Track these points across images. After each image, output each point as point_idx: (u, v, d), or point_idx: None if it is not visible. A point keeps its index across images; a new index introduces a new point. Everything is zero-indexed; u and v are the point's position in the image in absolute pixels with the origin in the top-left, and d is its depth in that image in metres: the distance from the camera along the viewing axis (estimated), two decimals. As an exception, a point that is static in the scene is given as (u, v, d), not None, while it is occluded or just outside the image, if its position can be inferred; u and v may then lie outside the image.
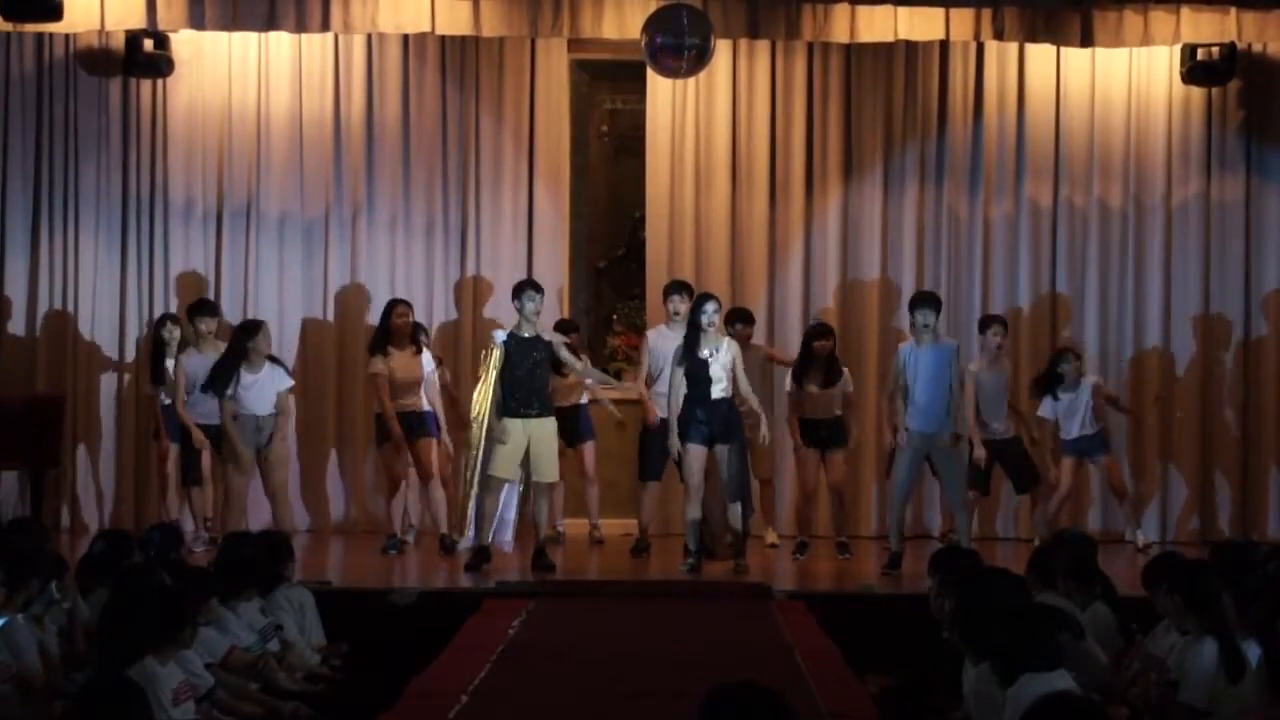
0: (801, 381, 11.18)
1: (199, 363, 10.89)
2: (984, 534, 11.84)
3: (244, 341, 10.37)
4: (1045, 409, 11.33)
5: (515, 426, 10.23)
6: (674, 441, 10.28)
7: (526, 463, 10.33)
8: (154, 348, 11.57)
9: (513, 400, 10.24)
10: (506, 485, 10.37)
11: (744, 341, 11.36)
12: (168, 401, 11.29)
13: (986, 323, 11.47)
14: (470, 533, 10.43)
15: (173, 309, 12.17)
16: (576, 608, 9.34)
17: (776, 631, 8.54)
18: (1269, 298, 12.53)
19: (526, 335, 10.33)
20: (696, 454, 10.25)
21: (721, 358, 10.25)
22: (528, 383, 10.25)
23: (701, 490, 10.32)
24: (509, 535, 10.55)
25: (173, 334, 11.44)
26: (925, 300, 10.55)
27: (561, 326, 11.52)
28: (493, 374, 10.29)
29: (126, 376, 12.41)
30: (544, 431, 10.32)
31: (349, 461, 12.52)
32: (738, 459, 10.31)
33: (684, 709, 3.87)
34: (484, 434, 10.28)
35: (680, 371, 10.25)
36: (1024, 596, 6.39)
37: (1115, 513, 12.17)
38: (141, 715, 4.61)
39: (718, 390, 10.23)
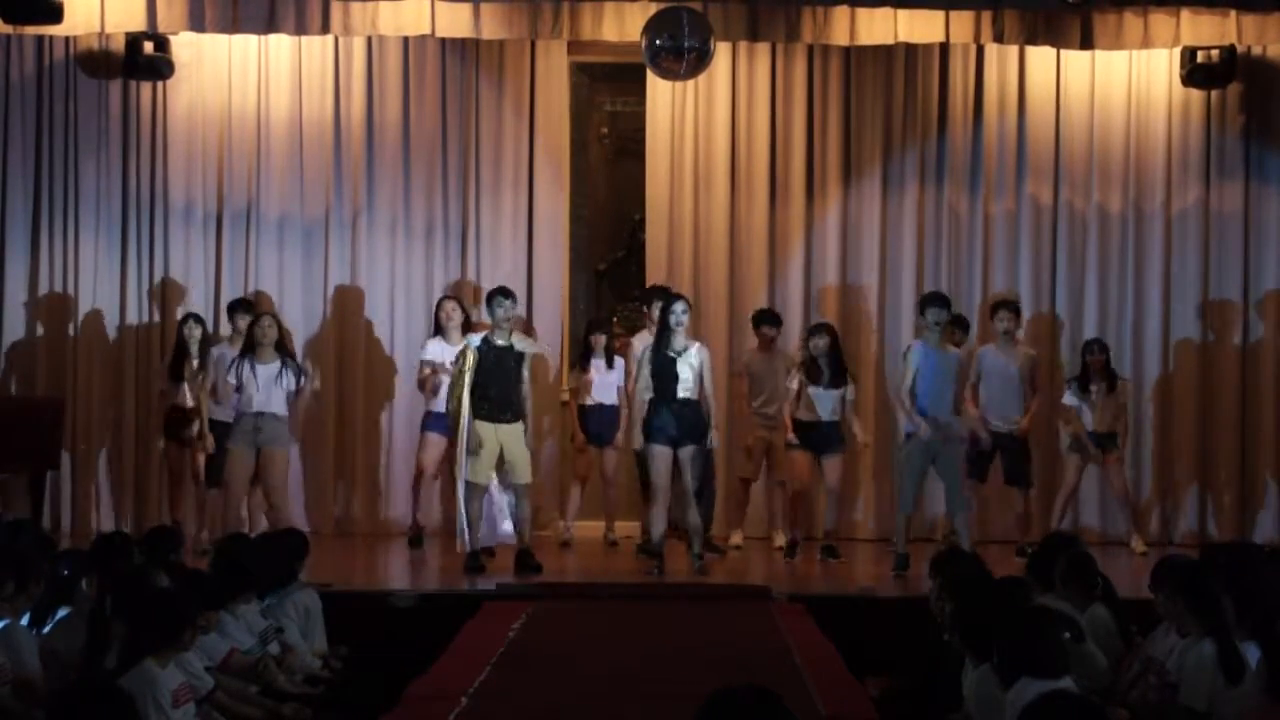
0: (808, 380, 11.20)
1: (230, 357, 10.91)
2: (986, 536, 11.82)
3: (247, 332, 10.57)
4: (1069, 397, 11.53)
5: (488, 431, 10.30)
6: (637, 437, 10.53)
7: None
8: (176, 346, 11.55)
9: (486, 404, 10.31)
10: (490, 487, 10.43)
11: (768, 345, 11.38)
12: (191, 404, 11.33)
13: (994, 308, 11.53)
14: (464, 539, 10.47)
15: (173, 312, 12.19)
16: (576, 610, 9.35)
17: (776, 633, 8.54)
18: (1268, 299, 12.53)
19: (500, 343, 10.40)
20: (662, 455, 10.29)
21: (690, 358, 10.32)
22: (500, 388, 10.31)
23: (668, 492, 10.33)
24: (508, 528, 10.55)
25: (193, 333, 11.42)
26: (939, 300, 10.62)
27: (590, 328, 11.79)
28: (465, 377, 10.36)
29: (126, 378, 12.41)
30: (515, 435, 10.38)
31: (349, 463, 12.53)
32: (702, 460, 10.35)
33: (684, 711, 3.86)
34: (461, 440, 10.34)
35: (647, 372, 10.33)
36: (1025, 599, 6.40)
37: (1115, 515, 12.17)
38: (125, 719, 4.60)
39: (684, 390, 10.28)
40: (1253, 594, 6.06)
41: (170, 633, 5.75)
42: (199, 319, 11.61)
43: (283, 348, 10.58)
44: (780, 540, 11.70)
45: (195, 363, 11.31)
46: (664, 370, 10.31)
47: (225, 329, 11.82)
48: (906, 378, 10.46)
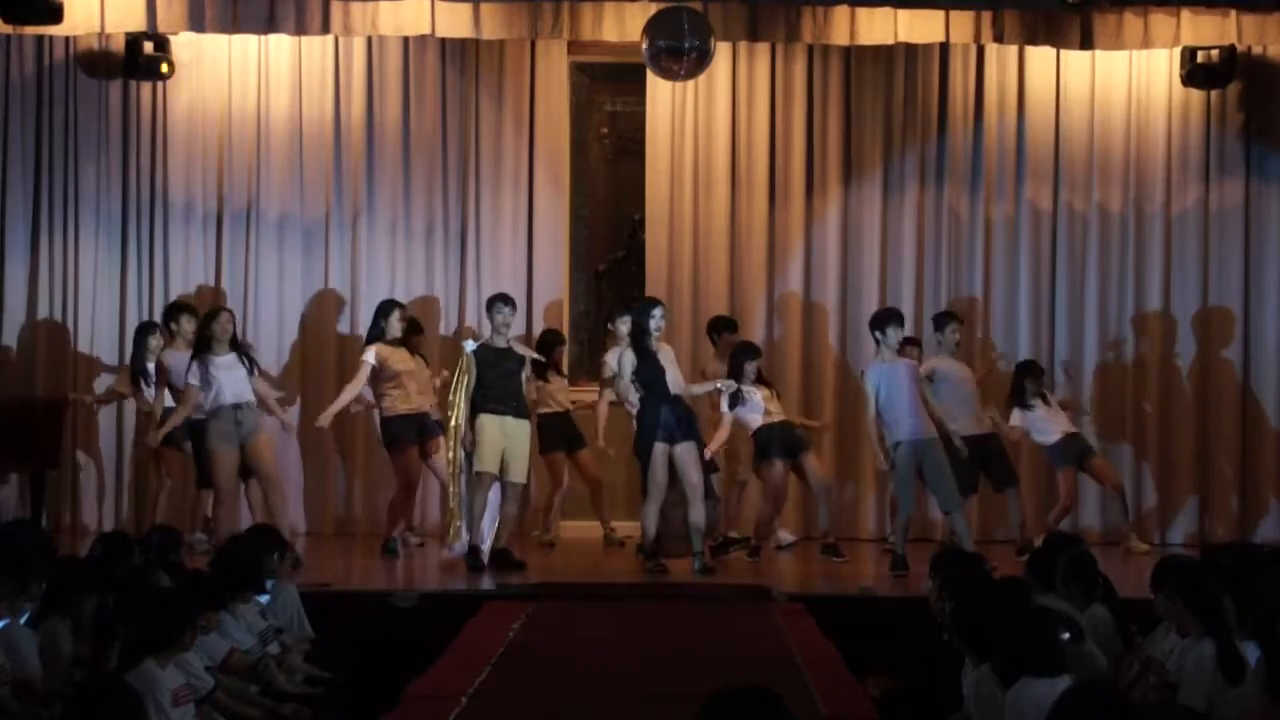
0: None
1: (181, 360, 10.86)
2: (987, 537, 11.81)
3: (201, 329, 10.50)
4: (1019, 418, 11.53)
5: (492, 422, 10.35)
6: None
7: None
8: (136, 353, 11.52)
9: (490, 401, 10.36)
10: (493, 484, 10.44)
11: (729, 350, 11.42)
12: (170, 404, 11.34)
13: (943, 320, 11.44)
14: (462, 538, 10.44)
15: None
16: (576, 610, 9.34)
17: (776, 634, 8.53)
18: (1268, 300, 12.53)
19: (499, 346, 10.48)
20: (661, 452, 10.30)
21: (667, 357, 10.46)
22: (502, 387, 10.39)
23: (664, 489, 10.34)
24: (487, 542, 10.55)
25: (159, 341, 11.40)
26: (896, 317, 10.64)
27: (549, 338, 11.63)
28: (465, 379, 10.41)
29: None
30: (519, 432, 10.46)
31: (349, 463, 12.53)
32: (697, 456, 10.37)
33: (684, 711, 3.86)
34: (463, 435, 10.37)
35: (628, 379, 10.39)
36: (1024, 598, 6.40)
37: (1115, 514, 12.15)
38: (135, 717, 4.61)
39: (674, 386, 10.36)
40: (1254, 594, 6.05)
41: (170, 633, 5.76)
42: (158, 325, 11.59)
43: (235, 342, 10.49)
44: (786, 539, 11.70)
45: (152, 367, 11.32)
46: (652, 369, 10.33)
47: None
48: (870, 405, 10.46)
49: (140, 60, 12.13)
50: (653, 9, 10.97)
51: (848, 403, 12.37)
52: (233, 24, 11.36)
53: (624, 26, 11.27)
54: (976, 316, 12.53)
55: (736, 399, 10.81)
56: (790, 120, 12.66)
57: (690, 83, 12.04)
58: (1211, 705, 5.84)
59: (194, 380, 10.25)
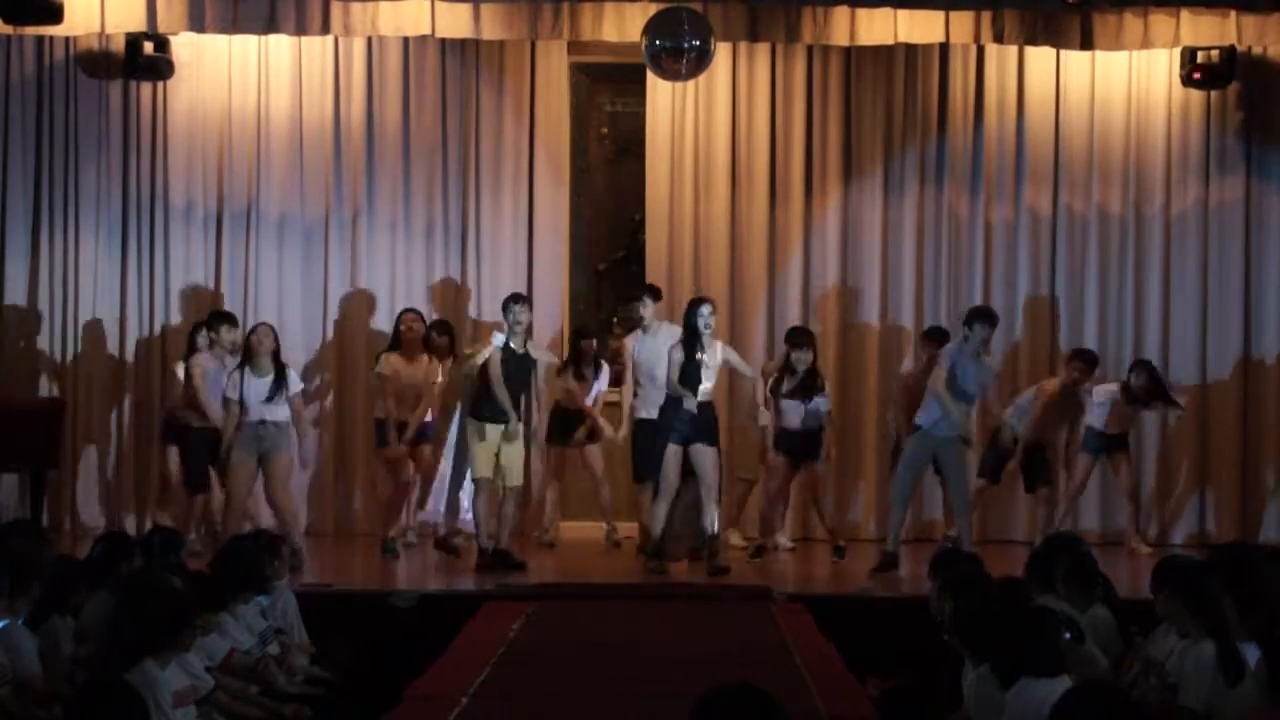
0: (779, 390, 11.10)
1: (213, 366, 10.85)
2: (985, 536, 11.82)
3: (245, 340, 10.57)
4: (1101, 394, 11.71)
5: (487, 431, 10.47)
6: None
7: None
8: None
9: (486, 410, 10.44)
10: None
11: None
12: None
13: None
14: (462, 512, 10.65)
15: (173, 312, 12.25)
16: (576, 610, 9.35)
17: (776, 634, 8.54)
18: (1269, 300, 12.53)
19: (516, 351, 10.54)
20: (674, 454, 10.31)
21: (714, 359, 10.41)
22: (504, 397, 10.42)
23: (674, 490, 10.36)
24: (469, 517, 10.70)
25: (205, 341, 11.30)
26: (986, 315, 10.67)
27: (580, 334, 11.78)
28: (477, 359, 10.51)
29: (126, 378, 12.42)
30: (514, 438, 10.52)
31: (349, 463, 12.53)
32: (716, 459, 10.38)
33: (684, 711, 3.86)
34: (460, 436, 10.60)
35: (676, 373, 10.31)
36: (1024, 599, 6.39)
37: (1116, 514, 12.17)
38: (135, 718, 4.61)
39: (704, 394, 10.33)
40: (1254, 595, 6.05)
41: (170, 633, 5.75)
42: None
43: (277, 356, 10.54)
44: (785, 544, 11.69)
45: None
46: (688, 374, 10.32)
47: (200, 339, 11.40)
48: (940, 376, 10.41)
49: (140, 60, 12.12)
50: (653, 9, 10.97)
51: (848, 402, 12.36)
52: (233, 24, 11.38)
53: (624, 26, 11.27)
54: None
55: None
56: (790, 120, 12.66)
57: (690, 83, 12.03)
58: (1211, 706, 5.84)
59: (232, 394, 10.30)
